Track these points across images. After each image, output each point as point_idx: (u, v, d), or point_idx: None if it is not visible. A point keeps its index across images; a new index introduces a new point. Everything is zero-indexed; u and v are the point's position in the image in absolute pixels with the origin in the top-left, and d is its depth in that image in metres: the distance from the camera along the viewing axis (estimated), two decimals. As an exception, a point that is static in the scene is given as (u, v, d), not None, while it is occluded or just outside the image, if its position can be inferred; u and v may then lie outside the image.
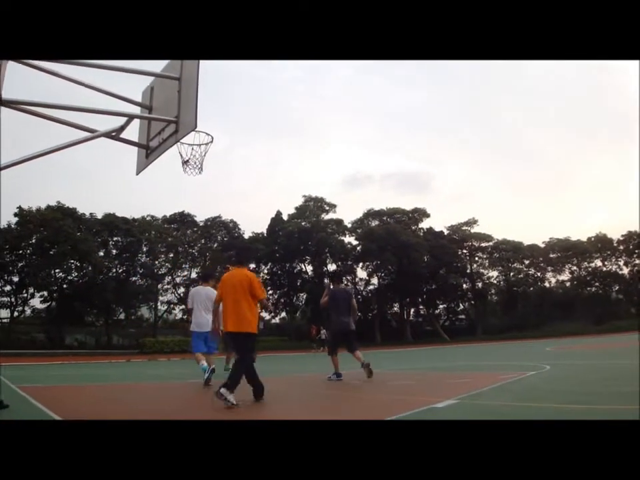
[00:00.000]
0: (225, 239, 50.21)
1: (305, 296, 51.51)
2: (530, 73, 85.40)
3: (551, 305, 53.27)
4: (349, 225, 53.99)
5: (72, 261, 36.92)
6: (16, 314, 36.43)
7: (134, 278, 42.58)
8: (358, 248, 52.08)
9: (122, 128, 5.96)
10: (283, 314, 55.20)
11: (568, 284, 58.31)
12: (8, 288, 35.56)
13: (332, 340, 8.96)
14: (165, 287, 46.08)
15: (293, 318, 54.72)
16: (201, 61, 5.33)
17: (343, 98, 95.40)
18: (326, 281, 51.85)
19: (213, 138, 6.03)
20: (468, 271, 56.84)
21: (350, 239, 53.63)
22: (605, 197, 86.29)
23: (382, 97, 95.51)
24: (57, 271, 37.19)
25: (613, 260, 56.42)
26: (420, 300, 55.80)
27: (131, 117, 5.95)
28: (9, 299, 35.54)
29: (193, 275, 45.69)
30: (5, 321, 36.03)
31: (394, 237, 48.08)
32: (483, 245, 57.67)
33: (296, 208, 53.26)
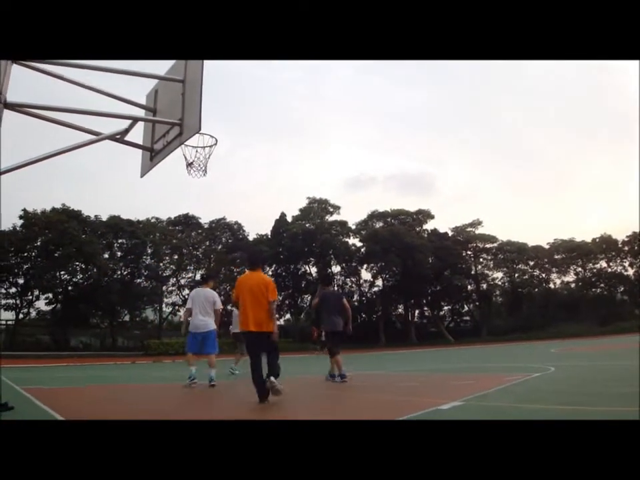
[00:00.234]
0: (230, 240, 50.26)
1: (309, 298, 51.45)
2: (530, 73, 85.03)
3: (556, 306, 53.00)
4: (353, 227, 53.88)
5: (77, 263, 37.05)
6: (21, 316, 36.54)
7: (139, 280, 42.63)
8: (362, 249, 51.96)
9: (126, 131, 5.99)
10: (288, 316, 55.24)
11: (573, 285, 58.00)
12: (13, 290, 35.67)
13: (329, 341, 8.95)
14: (170, 288, 46.17)
15: (298, 320, 54.68)
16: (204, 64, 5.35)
17: (344, 98, 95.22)
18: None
19: (217, 140, 6.06)
20: (472, 272, 56.63)
21: (354, 241, 53.57)
22: (606, 197, 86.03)
23: (382, 98, 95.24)
24: (62, 273, 37.32)
25: (618, 261, 56.06)
26: (424, 301, 55.66)
27: (135, 120, 5.99)
28: (14, 301, 35.63)
29: (198, 277, 45.70)
30: (10, 323, 36.13)
31: (398, 238, 48.00)
32: (488, 246, 57.43)
33: (300, 209, 53.22)
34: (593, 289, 56.44)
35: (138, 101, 6.34)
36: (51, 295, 37.35)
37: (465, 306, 59.27)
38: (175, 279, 46.18)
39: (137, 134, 6.28)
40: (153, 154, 6.12)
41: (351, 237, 53.62)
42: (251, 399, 5.92)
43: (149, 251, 42.15)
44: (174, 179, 61.68)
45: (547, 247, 58.02)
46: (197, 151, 5.98)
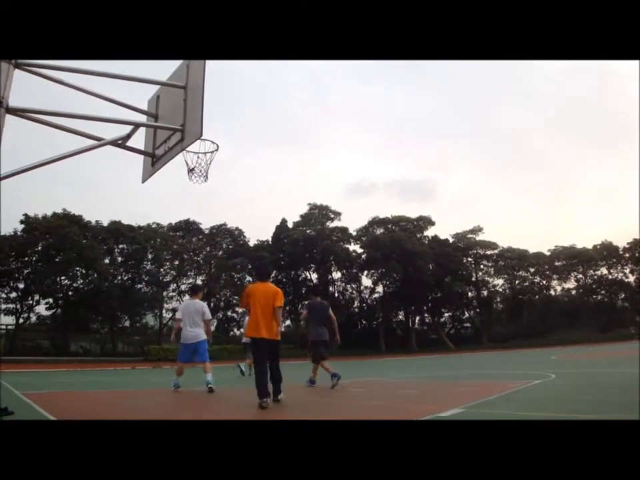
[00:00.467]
0: (230, 246, 50.18)
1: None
2: (531, 77, 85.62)
3: (557, 313, 52.93)
4: (354, 233, 53.81)
5: (77, 268, 36.99)
6: (21, 321, 36.43)
7: (139, 285, 42.53)
8: (363, 256, 51.91)
9: (128, 136, 6.01)
10: (288, 322, 55.12)
11: (573, 292, 57.94)
12: (13, 295, 35.60)
13: (313, 349, 9.28)
14: (170, 294, 46.08)
15: (298, 326, 54.53)
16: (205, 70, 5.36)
17: (345, 105, 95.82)
18: (331, 289, 52.00)
19: (218, 146, 6.08)
20: (473, 278, 56.59)
21: (355, 247, 53.51)
22: (607, 204, 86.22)
23: (384, 104, 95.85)
24: (62, 278, 37.26)
25: (619, 268, 56.06)
26: (425, 308, 55.57)
27: (137, 125, 6.00)
28: (14, 305, 35.56)
29: (198, 283, 45.68)
30: (10, 327, 36.08)
31: (399, 244, 47.97)
32: (488, 252, 57.44)
33: (301, 216, 53.20)
34: (594, 296, 56.35)
35: (140, 107, 6.37)
36: (51, 300, 37.29)
37: (466, 313, 59.16)
38: (175, 285, 46.11)
39: (139, 139, 6.33)
40: (154, 159, 6.14)
41: (352, 244, 53.62)
42: (251, 400, 5.90)
43: (150, 257, 42.10)
44: (175, 184, 62.03)
45: (547, 253, 58.04)
46: (198, 157, 6.01)
